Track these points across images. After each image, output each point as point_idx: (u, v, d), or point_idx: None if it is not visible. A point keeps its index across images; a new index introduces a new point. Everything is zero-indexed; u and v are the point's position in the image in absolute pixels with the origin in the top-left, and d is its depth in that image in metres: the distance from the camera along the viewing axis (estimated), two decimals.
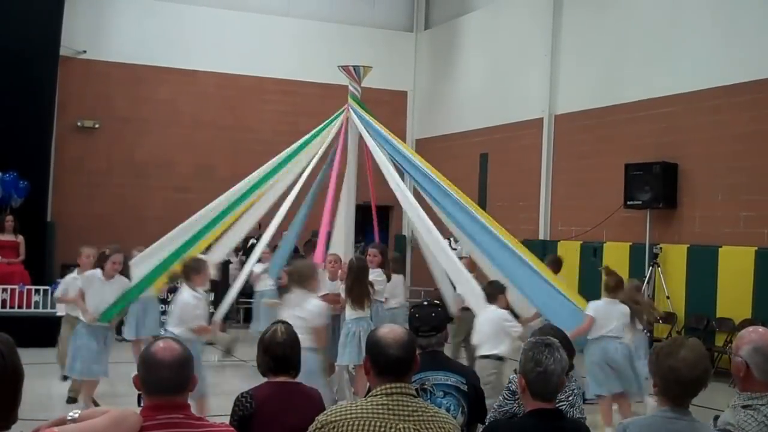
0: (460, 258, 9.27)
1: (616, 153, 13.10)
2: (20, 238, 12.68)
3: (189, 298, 7.10)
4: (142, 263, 8.92)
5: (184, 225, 9.33)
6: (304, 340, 6.42)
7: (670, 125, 12.45)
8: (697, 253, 11.69)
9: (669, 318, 11.81)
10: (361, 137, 9.83)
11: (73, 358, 8.02)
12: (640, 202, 12.29)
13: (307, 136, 10.09)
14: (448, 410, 3.75)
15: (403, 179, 9.65)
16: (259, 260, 10.13)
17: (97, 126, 16.40)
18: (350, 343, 8.03)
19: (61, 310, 9.46)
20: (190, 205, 10.40)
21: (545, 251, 13.85)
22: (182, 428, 2.72)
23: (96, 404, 7.56)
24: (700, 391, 3.15)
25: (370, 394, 3.05)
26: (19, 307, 11.61)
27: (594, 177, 13.78)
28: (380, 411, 2.94)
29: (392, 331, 3.12)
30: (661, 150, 12.34)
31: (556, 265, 9.88)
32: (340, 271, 8.84)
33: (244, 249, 13.63)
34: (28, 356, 2.50)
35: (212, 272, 9.82)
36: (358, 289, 8.10)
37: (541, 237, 14.81)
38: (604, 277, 8.59)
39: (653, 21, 12.95)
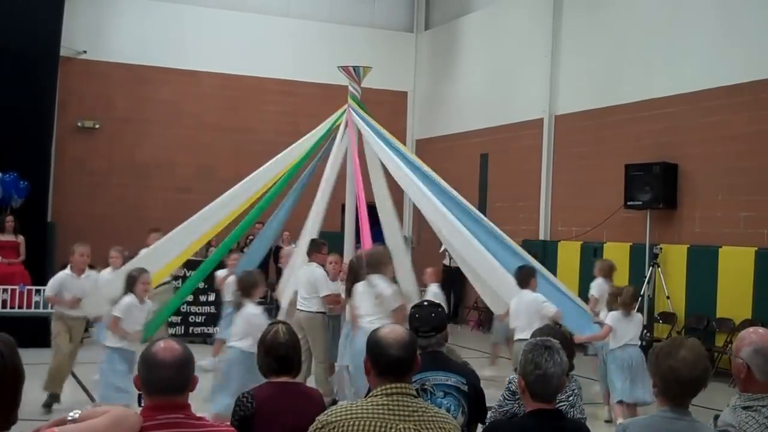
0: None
1: (616, 153, 13.11)
2: (20, 239, 12.68)
3: (254, 310, 7.08)
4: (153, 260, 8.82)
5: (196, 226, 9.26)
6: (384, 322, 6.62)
7: (670, 125, 12.45)
8: (697, 254, 11.69)
9: (669, 318, 11.82)
10: (361, 137, 9.82)
11: (102, 383, 7.44)
12: (640, 203, 12.29)
13: (315, 140, 9.96)
14: (448, 410, 3.75)
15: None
16: (224, 266, 10.01)
17: (97, 126, 16.41)
18: (350, 344, 8.02)
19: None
20: (191, 206, 10.38)
21: (545, 252, 13.88)
22: (182, 428, 2.72)
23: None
24: (700, 391, 3.15)
25: (370, 394, 3.05)
26: (20, 307, 11.60)
27: (594, 177, 13.78)
28: (380, 411, 2.94)
29: (393, 331, 3.12)
30: (661, 150, 12.34)
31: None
32: (340, 271, 8.85)
33: (246, 246, 13.64)
34: (28, 357, 2.50)
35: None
36: None
37: (541, 237, 14.81)
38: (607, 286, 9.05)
39: (653, 21, 12.95)
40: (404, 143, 17.23)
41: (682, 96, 12.24)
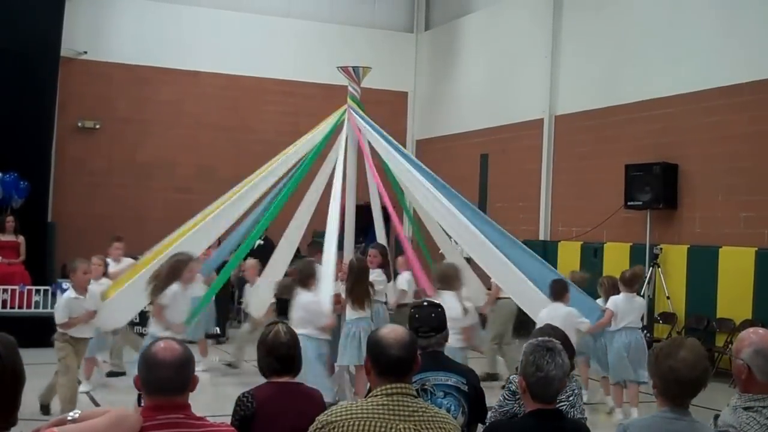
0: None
1: (617, 153, 13.10)
2: (21, 239, 12.69)
3: (311, 297, 7.24)
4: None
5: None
6: (456, 340, 6.67)
7: (670, 126, 12.45)
8: (698, 254, 11.69)
9: (669, 318, 11.82)
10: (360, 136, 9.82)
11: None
12: (640, 203, 12.29)
13: (318, 142, 9.92)
14: (448, 410, 3.75)
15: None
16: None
17: (97, 126, 16.41)
18: (350, 344, 8.04)
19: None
20: (192, 206, 10.40)
21: (545, 252, 13.86)
22: (183, 428, 2.72)
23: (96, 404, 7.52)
24: (700, 392, 3.15)
25: (370, 394, 3.06)
26: (20, 307, 11.60)
27: (594, 178, 13.78)
28: (381, 411, 2.95)
29: (393, 331, 3.13)
30: (662, 150, 12.34)
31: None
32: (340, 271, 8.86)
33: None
34: (28, 357, 2.51)
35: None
36: (359, 290, 8.12)
37: (541, 237, 14.81)
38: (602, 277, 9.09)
39: (653, 21, 12.95)
40: (404, 143, 17.29)
41: (682, 96, 12.23)
